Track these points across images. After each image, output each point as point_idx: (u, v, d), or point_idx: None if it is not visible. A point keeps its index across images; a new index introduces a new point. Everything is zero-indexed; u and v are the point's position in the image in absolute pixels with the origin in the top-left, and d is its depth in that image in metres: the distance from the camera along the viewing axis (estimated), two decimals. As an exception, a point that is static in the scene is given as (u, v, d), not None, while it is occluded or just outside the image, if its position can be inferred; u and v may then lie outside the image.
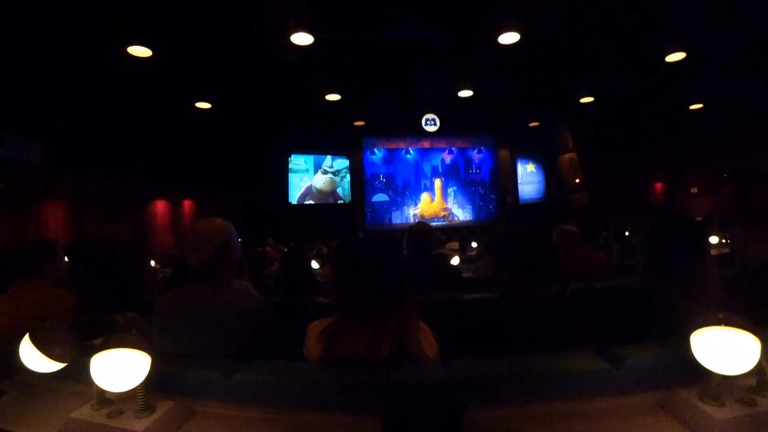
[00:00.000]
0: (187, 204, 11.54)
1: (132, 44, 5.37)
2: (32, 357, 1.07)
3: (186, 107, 8.24)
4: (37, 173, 6.79)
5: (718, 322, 0.89)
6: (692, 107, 9.95)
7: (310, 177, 13.34)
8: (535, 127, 12.40)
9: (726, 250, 4.38)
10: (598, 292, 2.62)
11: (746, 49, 6.45)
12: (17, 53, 5.39)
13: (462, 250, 6.82)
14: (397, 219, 13.65)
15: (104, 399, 1.07)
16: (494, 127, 13.43)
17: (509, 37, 5.90)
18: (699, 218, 7.17)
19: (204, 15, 4.99)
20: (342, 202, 13.64)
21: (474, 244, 7.40)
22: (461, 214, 14.09)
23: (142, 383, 1.01)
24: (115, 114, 8.02)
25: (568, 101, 9.62)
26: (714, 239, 5.03)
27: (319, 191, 13.38)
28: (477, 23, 5.64)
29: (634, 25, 5.80)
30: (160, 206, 10.65)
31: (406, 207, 13.85)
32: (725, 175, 11.45)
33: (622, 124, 11.76)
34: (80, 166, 7.64)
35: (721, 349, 0.88)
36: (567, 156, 12.84)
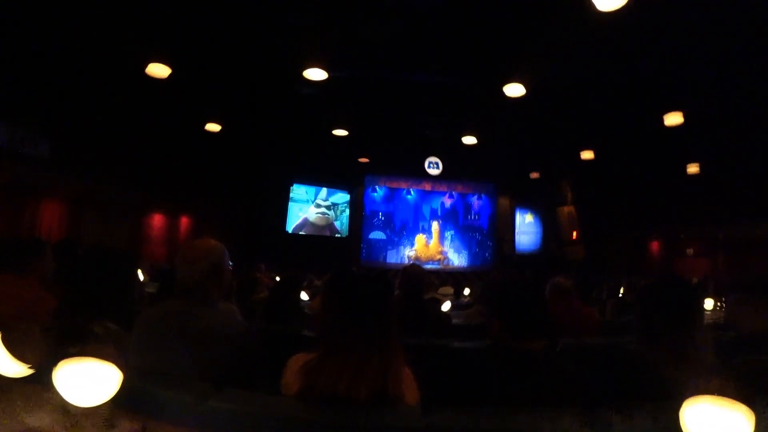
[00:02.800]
0: (184, 220, 11.51)
1: (153, 62, 5.54)
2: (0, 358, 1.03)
3: (196, 127, 8.41)
4: (42, 169, 6.80)
5: (710, 392, 0.86)
6: (689, 170, 10.19)
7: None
8: (535, 178, 12.63)
9: (721, 315, 4.32)
10: (589, 349, 2.56)
11: (744, 114, 6.67)
12: (39, 53, 5.55)
13: (455, 296, 6.73)
14: (392, 258, 13.59)
15: (65, 410, 1.02)
16: (496, 176, 13.70)
17: (515, 90, 6.13)
18: (695, 279, 7.14)
19: (225, 43, 5.21)
20: (339, 236, 13.61)
21: (467, 291, 7.31)
22: (457, 259, 14.06)
23: (108, 400, 0.96)
24: (126, 123, 8.15)
25: (569, 156, 9.87)
26: (709, 303, 4.93)
27: (313, 224, 13.36)
28: (485, 74, 5.89)
29: (635, 87, 6.06)
30: (158, 219, 10.62)
31: (402, 247, 13.83)
32: (720, 237, 11.52)
33: (620, 182, 12.00)
34: (84, 167, 7.66)
35: (713, 420, 0.84)
36: (566, 209, 13.01)
